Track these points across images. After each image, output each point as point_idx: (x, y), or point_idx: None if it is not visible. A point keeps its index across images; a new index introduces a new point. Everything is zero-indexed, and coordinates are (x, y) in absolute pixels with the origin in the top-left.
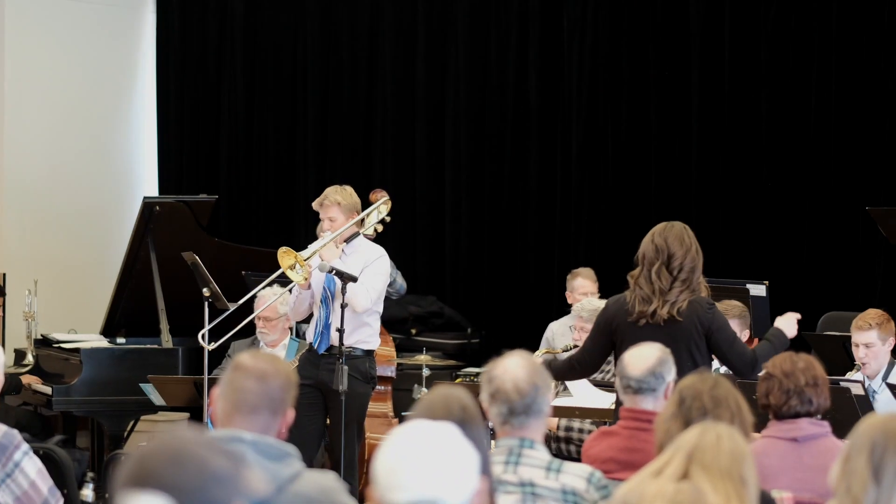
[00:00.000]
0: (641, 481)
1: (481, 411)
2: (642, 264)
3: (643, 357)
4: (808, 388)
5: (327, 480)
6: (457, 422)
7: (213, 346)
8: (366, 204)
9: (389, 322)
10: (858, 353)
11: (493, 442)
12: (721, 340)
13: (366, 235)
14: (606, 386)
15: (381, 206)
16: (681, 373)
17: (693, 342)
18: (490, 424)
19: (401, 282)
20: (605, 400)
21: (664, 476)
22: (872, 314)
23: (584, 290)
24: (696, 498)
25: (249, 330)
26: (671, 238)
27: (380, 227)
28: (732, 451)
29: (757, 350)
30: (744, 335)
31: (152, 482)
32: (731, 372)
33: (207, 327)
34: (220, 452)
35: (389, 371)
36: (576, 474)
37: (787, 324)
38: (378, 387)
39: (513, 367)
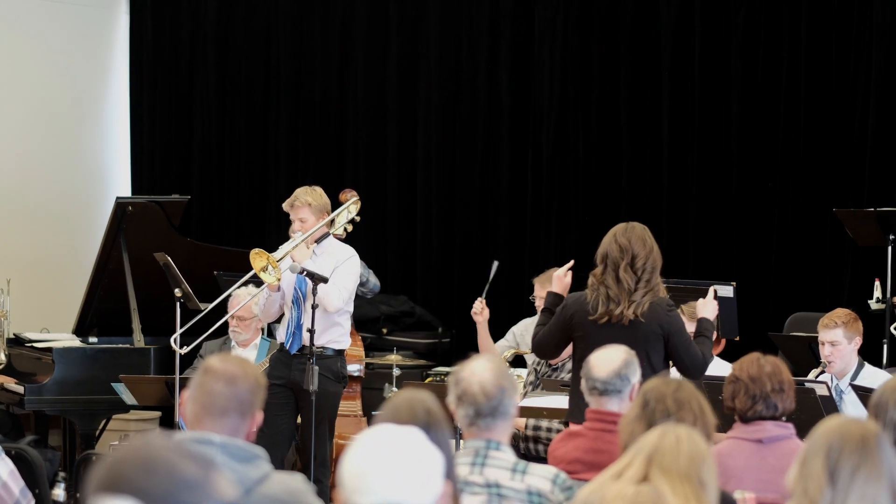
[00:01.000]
0: (602, 484)
1: (448, 413)
2: (605, 264)
3: (609, 359)
4: (773, 393)
5: (295, 482)
6: (422, 425)
7: (186, 349)
8: (336, 204)
9: (361, 321)
10: (824, 352)
11: (461, 442)
12: (679, 343)
13: (336, 236)
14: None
15: (351, 206)
16: None
17: (651, 344)
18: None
19: (374, 280)
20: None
21: (624, 478)
22: (840, 313)
23: None
24: (656, 500)
25: (221, 330)
26: (634, 238)
27: (349, 227)
28: (692, 453)
29: (702, 349)
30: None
31: (123, 487)
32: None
33: (179, 331)
34: (189, 458)
35: (357, 370)
36: (541, 475)
37: (708, 309)
38: (348, 385)
39: (479, 370)
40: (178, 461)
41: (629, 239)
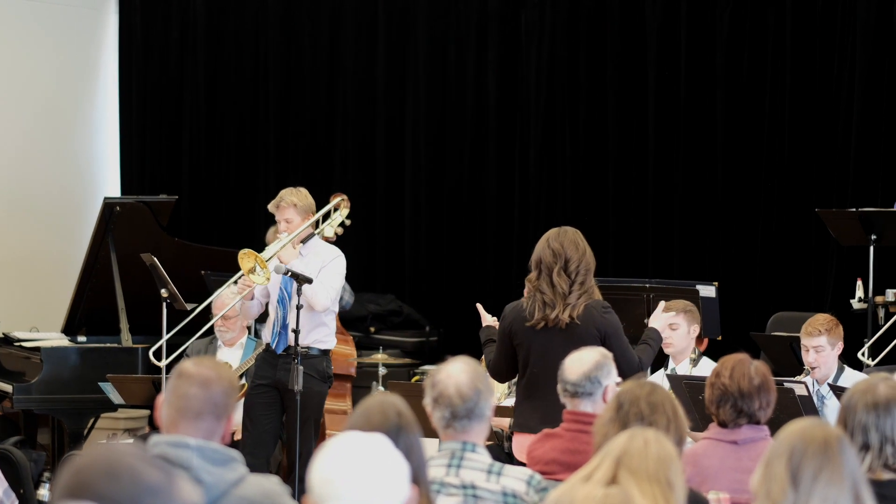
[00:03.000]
0: (571, 486)
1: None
2: (540, 269)
3: (580, 361)
4: (759, 410)
5: (271, 484)
6: (393, 427)
7: (167, 362)
8: (321, 205)
9: (348, 320)
10: (808, 357)
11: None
12: (615, 345)
13: (326, 239)
14: None
15: (342, 210)
16: None
17: (589, 346)
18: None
19: (347, 298)
20: None
21: (593, 481)
22: (822, 320)
23: None
24: (624, 501)
25: (208, 330)
26: (566, 242)
27: (340, 231)
28: (659, 455)
29: (642, 356)
30: (693, 330)
31: (87, 494)
32: None
33: (166, 336)
34: (153, 465)
35: (351, 369)
36: (516, 477)
37: (660, 322)
38: (339, 384)
39: (455, 373)
40: (142, 467)
41: (562, 243)
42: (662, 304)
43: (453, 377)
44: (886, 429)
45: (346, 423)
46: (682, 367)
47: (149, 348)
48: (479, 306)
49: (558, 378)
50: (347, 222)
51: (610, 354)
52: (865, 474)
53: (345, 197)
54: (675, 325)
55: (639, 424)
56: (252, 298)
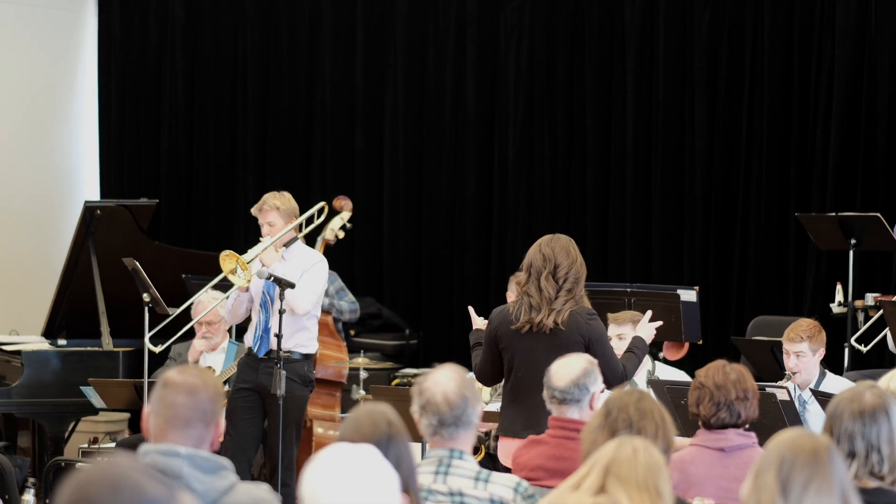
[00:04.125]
0: (560, 495)
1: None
2: (529, 273)
3: (568, 368)
4: (738, 401)
5: (261, 492)
6: (384, 437)
7: (161, 348)
8: (304, 209)
9: (344, 322)
10: (789, 363)
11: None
12: (599, 352)
13: (326, 241)
14: None
15: (345, 213)
16: None
17: (573, 352)
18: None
19: (348, 311)
20: None
21: (582, 489)
22: (805, 325)
23: None
24: None
25: (191, 332)
26: (557, 248)
27: (341, 234)
28: (648, 463)
29: (626, 365)
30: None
31: None
32: None
33: (151, 332)
34: (155, 478)
35: (342, 376)
36: (503, 484)
37: (646, 331)
38: (331, 393)
39: (443, 380)
40: (144, 481)
41: (553, 249)
42: (649, 313)
43: (441, 384)
44: (872, 437)
45: (337, 434)
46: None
47: (130, 352)
48: (471, 309)
49: (545, 385)
50: (349, 226)
51: (596, 361)
52: (853, 483)
53: (348, 200)
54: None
55: (627, 431)
56: (247, 290)
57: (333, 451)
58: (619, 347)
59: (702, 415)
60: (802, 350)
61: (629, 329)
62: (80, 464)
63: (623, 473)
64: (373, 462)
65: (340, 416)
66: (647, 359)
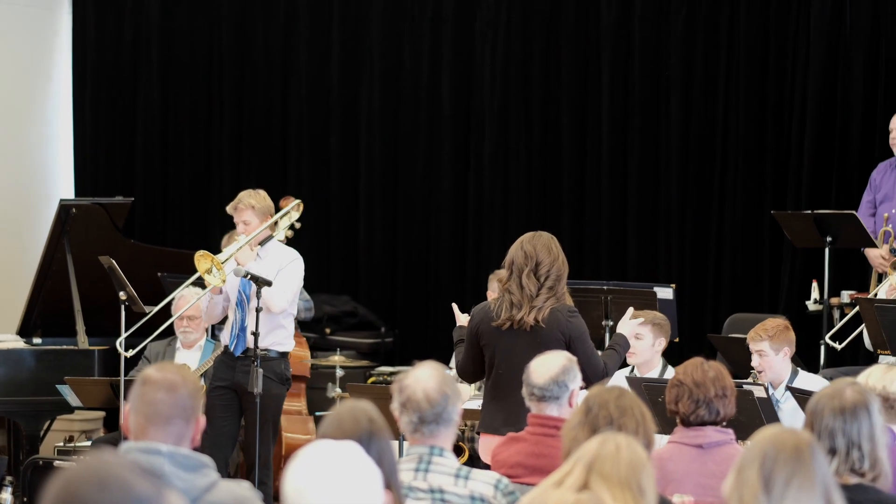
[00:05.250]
0: (543, 492)
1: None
2: (511, 270)
3: (547, 365)
4: (716, 398)
5: (242, 490)
6: (365, 434)
7: (131, 353)
8: (279, 208)
9: (304, 322)
10: (753, 361)
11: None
12: (580, 349)
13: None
14: None
15: (293, 212)
16: None
17: (553, 350)
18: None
19: (304, 312)
20: None
21: (565, 486)
22: (769, 325)
23: None
24: None
25: (166, 332)
26: (539, 246)
27: (290, 234)
28: (631, 460)
29: (607, 362)
30: (659, 343)
31: None
32: None
33: (125, 334)
34: (143, 475)
35: (305, 370)
36: (483, 481)
37: (628, 328)
38: (293, 384)
39: (423, 377)
40: (132, 478)
41: (535, 246)
42: (631, 310)
43: (421, 382)
44: (853, 433)
45: (319, 431)
46: None
47: (105, 350)
48: (454, 306)
49: (524, 382)
50: (298, 225)
51: (575, 358)
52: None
53: (299, 201)
54: (640, 335)
55: (608, 428)
56: (220, 293)
57: (316, 448)
58: (636, 346)
59: (681, 412)
60: (763, 349)
61: (647, 330)
62: (58, 462)
63: (606, 470)
64: (356, 459)
65: (308, 413)
66: (661, 361)
